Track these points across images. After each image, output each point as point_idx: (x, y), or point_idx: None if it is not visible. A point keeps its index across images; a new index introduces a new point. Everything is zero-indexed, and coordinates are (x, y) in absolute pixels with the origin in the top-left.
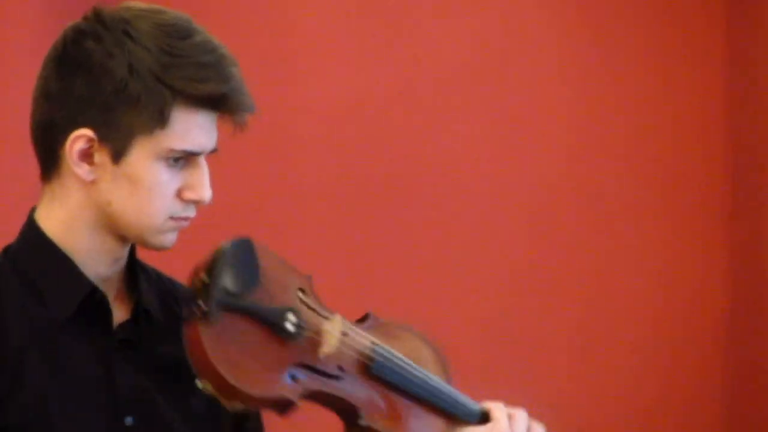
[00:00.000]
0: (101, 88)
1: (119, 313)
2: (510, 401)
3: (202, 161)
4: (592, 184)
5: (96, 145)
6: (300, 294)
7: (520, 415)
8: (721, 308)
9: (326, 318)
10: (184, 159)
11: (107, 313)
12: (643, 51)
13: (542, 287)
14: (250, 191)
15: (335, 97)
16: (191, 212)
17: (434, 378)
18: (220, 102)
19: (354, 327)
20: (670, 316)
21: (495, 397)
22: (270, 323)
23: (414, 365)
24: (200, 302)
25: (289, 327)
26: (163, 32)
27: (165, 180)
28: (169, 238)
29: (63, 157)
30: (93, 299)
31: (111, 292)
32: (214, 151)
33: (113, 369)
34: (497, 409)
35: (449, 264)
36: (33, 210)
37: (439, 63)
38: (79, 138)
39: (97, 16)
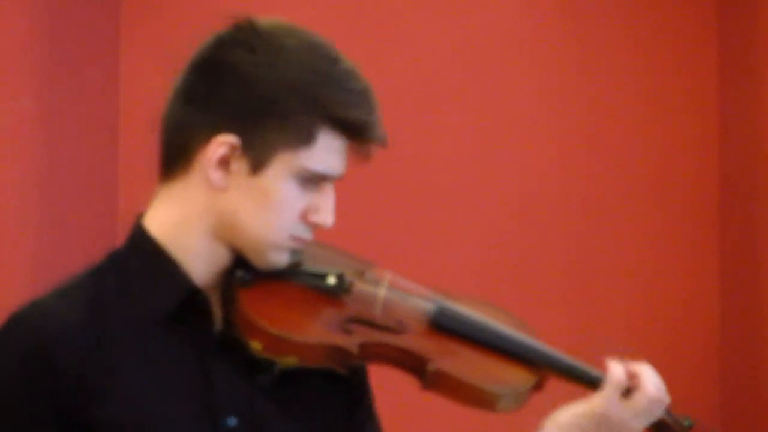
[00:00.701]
0: (252, 99)
1: (219, 317)
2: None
3: (331, 186)
4: (585, 186)
5: (237, 152)
6: (357, 270)
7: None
8: (712, 311)
9: (380, 282)
10: (315, 181)
11: (208, 314)
12: (637, 56)
13: (532, 289)
14: None
15: None
16: (310, 235)
17: (502, 326)
18: (363, 130)
19: (415, 289)
20: (661, 320)
21: None
22: (310, 282)
23: (477, 314)
24: (238, 272)
25: (331, 281)
26: (315, 53)
27: (295, 198)
28: (284, 257)
29: (195, 159)
30: (194, 300)
31: (213, 296)
32: (340, 178)
33: (212, 370)
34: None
35: (447, 264)
36: (140, 215)
37: (435, 64)
38: (223, 144)
39: (251, 27)
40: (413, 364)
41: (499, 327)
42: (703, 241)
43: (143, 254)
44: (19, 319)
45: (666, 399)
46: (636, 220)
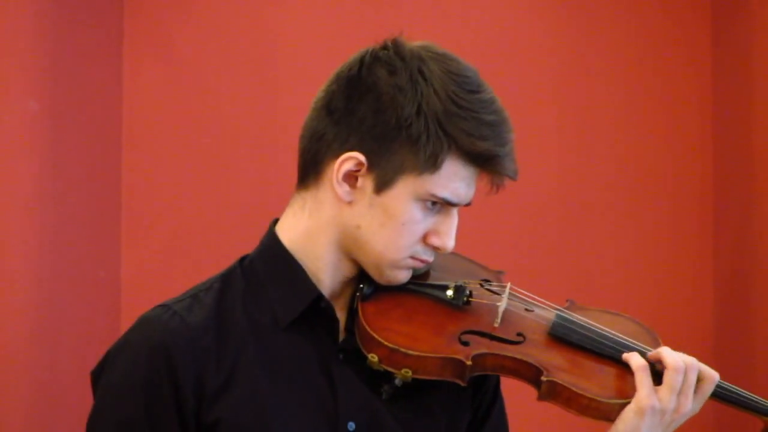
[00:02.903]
0: (385, 119)
1: (343, 325)
2: None
3: (455, 212)
4: (578, 187)
5: (364, 170)
6: (481, 281)
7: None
8: (705, 311)
9: (500, 294)
10: (439, 205)
11: (332, 321)
12: (631, 59)
13: (528, 288)
14: (248, 193)
15: None
16: (430, 256)
17: (618, 334)
18: (491, 162)
19: (539, 301)
20: (655, 321)
21: None
22: (430, 295)
23: (598, 326)
24: (362, 286)
25: (449, 294)
26: (453, 81)
27: (418, 220)
28: (403, 275)
29: (326, 171)
30: (318, 307)
31: (338, 303)
32: (468, 204)
33: (335, 375)
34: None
35: None
36: (275, 222)
37: None
38: (351, 159)
39: (396, 48)
40: (529, 375)
41: (618, 337)
42: (698, 241)
43: (273, 260)
44: (147, 319)
45: (709, 372)
46: (631, 221)
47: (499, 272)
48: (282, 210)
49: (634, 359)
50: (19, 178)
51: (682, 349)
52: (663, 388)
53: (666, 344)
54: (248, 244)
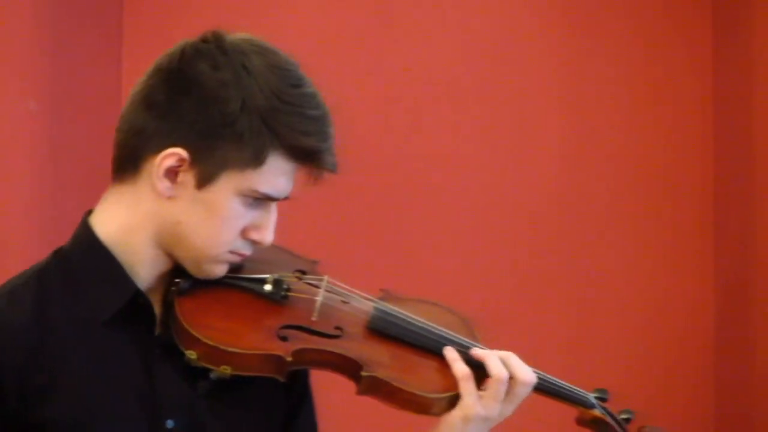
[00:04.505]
0: (209, 115)
1: (159, 318)
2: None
3: (274, 206)
4: (580, 187)
5: (186, 166)
6: (297, 273)
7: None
8: (706, 311)
9: (318, 287)
10: (259, 200)
11: (151, 317)
12: (632, 57)
13: (526, 288)
14: None
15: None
16: (248, 250)
17: (440, 328)
18: (313, 157)
19: (355, 293)
20: (656, 321)
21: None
22: (247, 289)
23: (416, 318)
24: (178, 280)
25: (267, 288)
26: (277, 75)
27: (238, 215)
28: (221, 269)
29: (145, 166)
30: (137, 303)
31: (154, 297)
32: (286, 198)
33: (154, 372)
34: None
35: (441, 268)
36: (88, 213)
37: (432, 67)
38: (173, 155)
39: (217, 41)
40: (349, 370)
41: (437, 330)
42: (698, 241)
43: (90, 255)
44: None
45: (527, 378)
46: (631, 221)
47: (314, 261)
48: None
49: (457, 367)
50: (18, 178)
51: (682, 350)
52: (488, 396)
53: (666, 345)
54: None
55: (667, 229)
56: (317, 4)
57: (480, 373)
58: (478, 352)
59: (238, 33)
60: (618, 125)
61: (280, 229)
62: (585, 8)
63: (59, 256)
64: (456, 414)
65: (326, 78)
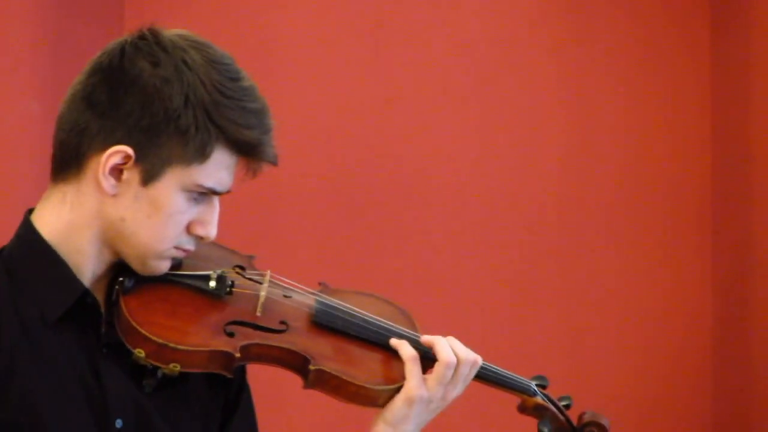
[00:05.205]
0: (152, 112)
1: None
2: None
3: (217, 200)
4: (578, 188)
5: (130, 163)
6: (236, 268)
7: (465, 359)
8: (704, 311)
9: (261, 282)
10: (203, 195)
11: (98, 316)
12: (630, 60)
13: (526, 288)
14: (242, 190)
15: (325, 105)
16: (192, 246)
17: (382, 320)
18: (255, 150)
19: (297, 287)
20: (654, 322)
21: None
22: (191, 286)
23: (358, 310)
24: (122, 279)
25: (212, 285)
26: (216, 69)
27: (183, 210)
28: (165, 265)
29: (89, 164)
30: (84, 302)
31: (100, 297)
32: (227, 192)
33: (102, 371)
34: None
35: (441, 268)
36: (30, 211)
37: (431, 69)
38: (118, 153)
39: (155, 38)
40: (295, 364)
41: (380, 322)
42: (697, 241)
43: (34, 254)
44: None
45: (472, 358)
46: (630, 221)
47: (251, 256)
48: (275, 216)
49: (405, 349)
50: (19, 178)
51: (681, 349)
52: (432, 379)
53: (666, 345)
54: (250, 241)
55: (665, 230)
56: (317, 4)
57: (424, 362)
58: (426, 337)
59: (172, 29)
60: (617, 126)
61: (280, 229)
62: (584, 9)
63: (2, 256)
64: (399, 397)
65: (326, 78)
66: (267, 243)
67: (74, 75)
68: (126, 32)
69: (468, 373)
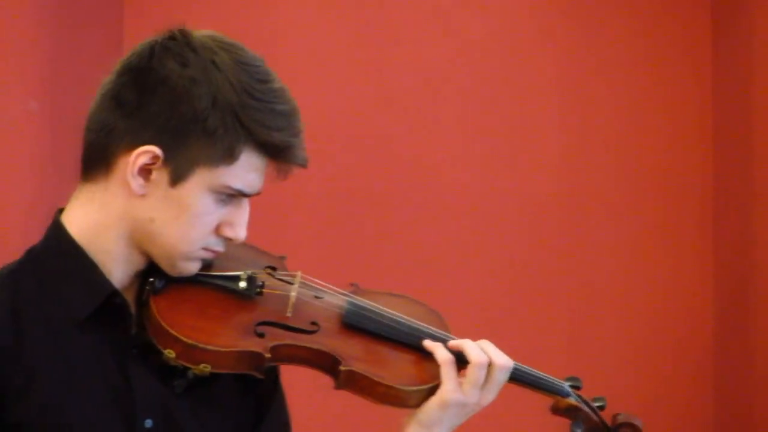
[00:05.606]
0: (180, 113)
1: (135, 319)
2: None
3: (246, 202)
4: (580, 187)
5: (159, 163)
6: (267, 269)
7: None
8: (705, 309)
9: (292, 283)
10: (231, 197)
11: (127, 316)
12: (632, 59)
13: (526, 287)
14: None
15: (325, 105)
16: (221, 247)
17: (413, 321)
18: (284, 152)
19: (328, 288)
20: (655, 320)
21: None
22: (222, 286)
23: (389, 311)
24: (153, 279)
25: (242, 285)
26: (245, 71)
27: (211, 212)
28: (195, 266)
29: (118, 164)
30: (113, 303)
31: (128, 297)
32: (257, 194)
33: (130, 372)
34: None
35: (440, 270)
36: (59, 211)
37: (430, 69)
38: (146, 153)
39: (185, 39)
40: (326, 365)
41: (412, 323)
42: (698, 241)
43: (62, 254)
44: None
45: (505, 362)
46: (631, 221)
47: (282, 257)
48: (274, 217)
49: (440, 352)
50: (19, 178)
51: (682, 350)
52: (467, 383)
53: (666, 345)
54: (251, 241)
55: (666, 229)
56: (317, 4)
57: (457, 365)
58: (455, 341)
59: (202, 30)
60: (617, 126)
61: (282, 229)
62: (584, 8)
63: (32, 255)
64: (434, 400)
65: (326, 78)
66: (267, 243)
67: (74, 75)
68: (125, 33)
69: (502, 376)
